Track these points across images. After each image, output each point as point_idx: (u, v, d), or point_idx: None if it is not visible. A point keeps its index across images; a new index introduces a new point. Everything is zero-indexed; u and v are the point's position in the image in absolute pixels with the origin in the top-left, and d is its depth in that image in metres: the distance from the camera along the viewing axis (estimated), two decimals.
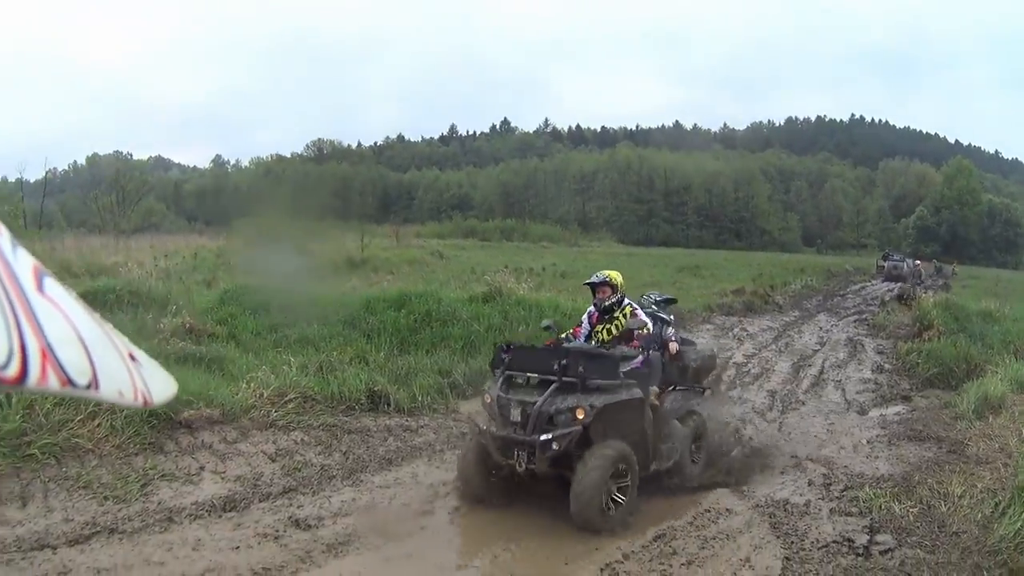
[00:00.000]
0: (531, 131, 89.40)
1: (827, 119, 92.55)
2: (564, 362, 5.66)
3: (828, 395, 10.85)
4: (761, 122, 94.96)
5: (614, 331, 6.61)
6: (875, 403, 10.45)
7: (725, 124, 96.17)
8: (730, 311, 18.55)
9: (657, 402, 6.35)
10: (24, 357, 1.16)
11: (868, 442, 8.10)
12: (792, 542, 5.39)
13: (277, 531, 5.37)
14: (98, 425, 6.11)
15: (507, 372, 5.92)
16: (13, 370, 1.13)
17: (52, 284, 1.35)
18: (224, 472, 6.31)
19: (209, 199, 57.80)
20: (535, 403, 5.53)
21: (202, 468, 6.29)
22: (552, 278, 22.64)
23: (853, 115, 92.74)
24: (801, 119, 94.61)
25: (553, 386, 5.62)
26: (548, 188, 70.30)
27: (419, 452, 7.35)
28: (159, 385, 1.58)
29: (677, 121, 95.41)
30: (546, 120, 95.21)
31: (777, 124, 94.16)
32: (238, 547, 5.08)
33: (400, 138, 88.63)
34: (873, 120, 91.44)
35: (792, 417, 9.49)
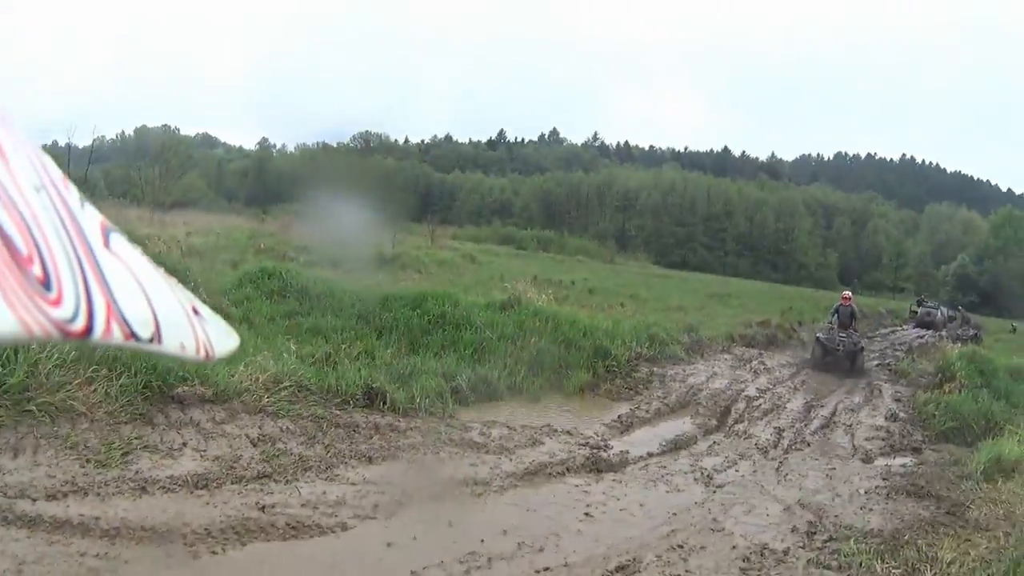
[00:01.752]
0: (580, 143, 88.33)
1: (877, 157, 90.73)
2: None
3: (836, 438, 10.59)
4: (809, 154, 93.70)
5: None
6: (882, 452, 10.15)
7: (773, 153, 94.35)
8: (751, 342, 18.28)
9: None
10: (90, 312, 1.17)
11: (866, 492, 7.89)
12: None
13: (242, 514, 5.42)
14: (94, 390, 6.28)
15: None
16: (80, 324, 1.17)
17: (118, 239, 1.40)
18: (205, 451, 6.40)
19: (251, 180, 58.61)
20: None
21: (184, 444, 6.41)
22: (580, 293, 22.60)
23: (904, 155, 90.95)
24: (851, 155, 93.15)
25: None
26: (590, 201, 70.04)
27: (402, 453, 7.32)
28: (221, 339, 1.60)
29: (726, 147, 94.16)
30: (595, 134, 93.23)
31: (826, 158, 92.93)
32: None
33: (448, 138, 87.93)
34: (924, 162, 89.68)
35: (794, 458, 9.30)
